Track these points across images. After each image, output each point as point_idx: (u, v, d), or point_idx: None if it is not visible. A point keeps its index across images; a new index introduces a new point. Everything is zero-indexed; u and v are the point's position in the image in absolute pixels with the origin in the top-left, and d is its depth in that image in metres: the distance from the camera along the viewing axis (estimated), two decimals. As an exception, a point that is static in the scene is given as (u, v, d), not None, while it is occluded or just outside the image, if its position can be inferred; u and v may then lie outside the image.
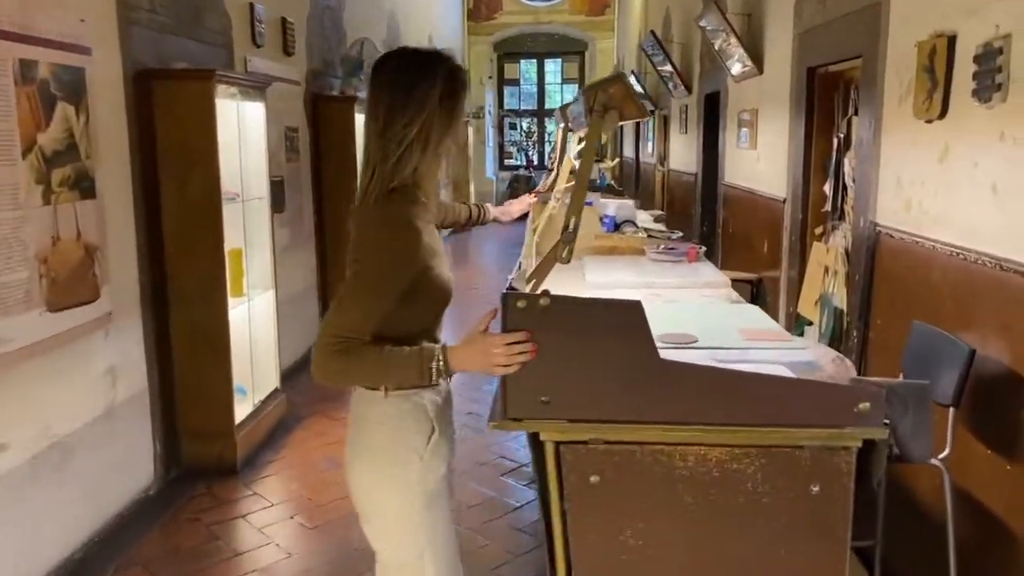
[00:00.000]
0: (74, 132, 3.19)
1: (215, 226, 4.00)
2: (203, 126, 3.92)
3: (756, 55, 5.18)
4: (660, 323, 2.47)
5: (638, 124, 12.88)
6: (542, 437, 1.72)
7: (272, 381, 4.86)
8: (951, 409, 2.33)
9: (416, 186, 1.69)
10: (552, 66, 19.07)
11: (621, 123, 2.00)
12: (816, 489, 1.68)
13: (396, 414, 1.71)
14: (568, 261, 2.05)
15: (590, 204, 4.00)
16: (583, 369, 1.69)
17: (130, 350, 3.74)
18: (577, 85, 19.18)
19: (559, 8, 17.69)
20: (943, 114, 2.69)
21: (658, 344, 2.20)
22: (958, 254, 2.58)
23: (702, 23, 5.67)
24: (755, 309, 2.73)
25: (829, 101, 4.18)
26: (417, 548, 1.75)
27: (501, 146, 19.01)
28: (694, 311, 2.71)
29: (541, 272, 2.06)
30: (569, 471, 1.71)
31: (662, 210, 9.50)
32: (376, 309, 1.61)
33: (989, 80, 2.38)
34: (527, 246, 2.57)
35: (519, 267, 1.98)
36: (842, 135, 3.96)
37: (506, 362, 1.64)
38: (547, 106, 18.78)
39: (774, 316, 5.04)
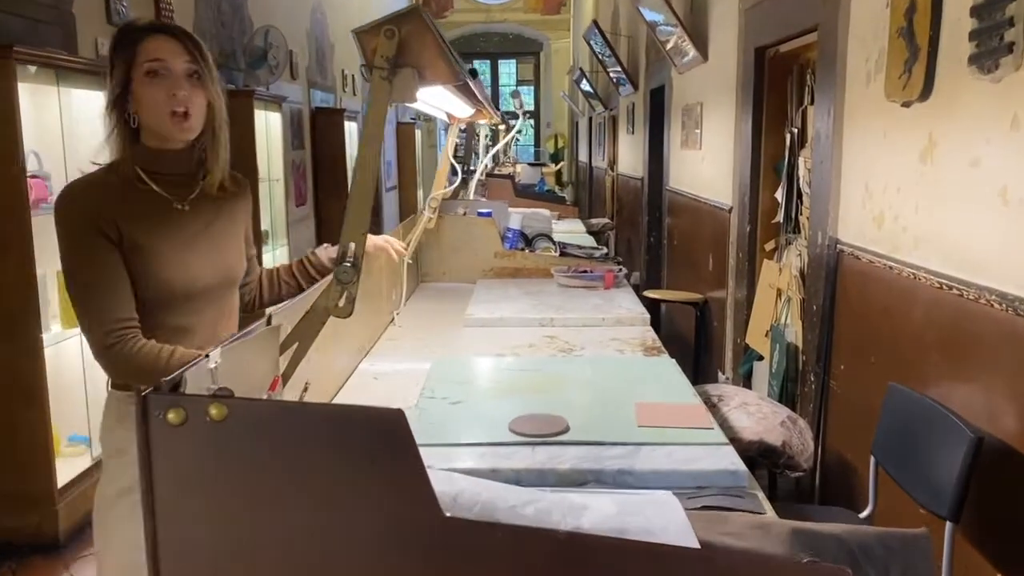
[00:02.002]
0: None
1: (21, 243, 3.16)
2: (1, 117, 3.10)
3: (700, 39, 4.46)
4: (531, 392, 1.69)
5: (591, 125, 12.17)
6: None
7: (124, 426, 4.01)
8: (948, 524, 1.58)
9: (121, 162, 1.52)
10: (506, 67, 18.33)
11: (424, 87, 1.22)
12: None
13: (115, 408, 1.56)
14: (348, 313, 1.27)
15: (488, 215, 3.23)
16: (297, 534, 0.91)
17: (-102, 403, 2.90)
18: (533, 87, 18.43)
19: (512, 7, 16.96)
20: (926, 93, 1.95)
21: (508, 433, 1.46)
22: (950, 287, 1.84)
23: (640, 5, 4.94)
24: (669, 365, 1.96)
25: (781, 89, 3.46)
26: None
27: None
28: (584, 371, 1.94)
29: (305, 334, 1.27)
30: None
31: (611, 219, 8.78)
32: (82, 295, 1.47)
33: (995, 39, 1.65)
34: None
35: (268, 321, 1.18)
36: (796, 130, 3.23)
37: None
38: (502, 109, 17.99)
39: (720, 346, 4.30)
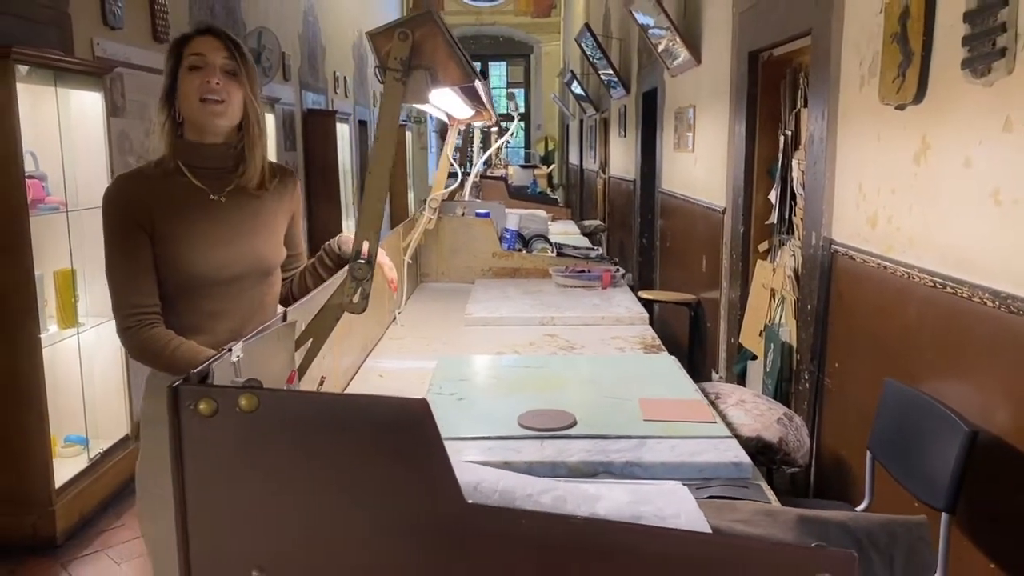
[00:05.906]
0: None
1: (19, 244, 3.17)
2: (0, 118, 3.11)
3: (693, 43, 4.51)
4: (536, 389, 1.74)
5: (582, 127, 12.22)
6: (260, 639, 0.96)
7: (121, 427, 4.01)
8: (943, 515, 1.62)
9: (168, 156, 1.65)
10: (496, 70, 18.38)
11: (436, 89, 1.25)
12: None
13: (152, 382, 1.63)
14: (362, 309, 1.30)
15: (486, 215, 3.27)
16: (326, 521, 0.94)
17: None
18: (524, 90, 18.47)
19: (503, 9, 17.00)
20: (920, 96, 2.00)
21: (517, 427, 1.49)
22: (943, 286, 1.89)
23: (632, 8, 4.99)
24: (669, 362, 2.00)
25: (774, 92, 3.51)
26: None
27: (444, 152, 18.16)
28: (587, 368, 1.98)
29: (320, 329, 1.30)
30: None
31: (603, 221, 8.83)
32: (112, 278, 1.60)
33: (988, 44, 1.70)
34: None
35: (283, 317, 1.21)
36: (789, 132, 3.29)
37: None
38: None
39: (714, 346, 4.36)
